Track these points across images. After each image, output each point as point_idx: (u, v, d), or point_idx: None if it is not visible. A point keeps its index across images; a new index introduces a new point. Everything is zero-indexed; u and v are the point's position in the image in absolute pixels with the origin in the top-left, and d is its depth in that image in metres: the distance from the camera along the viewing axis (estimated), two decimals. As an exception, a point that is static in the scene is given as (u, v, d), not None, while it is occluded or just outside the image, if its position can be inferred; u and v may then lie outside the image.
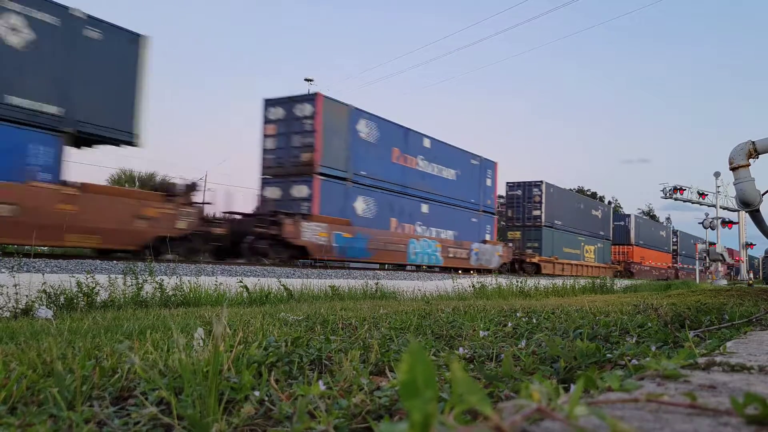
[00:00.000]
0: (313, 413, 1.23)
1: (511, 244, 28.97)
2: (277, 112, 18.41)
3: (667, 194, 30.64)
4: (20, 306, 5.16)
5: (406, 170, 21.57)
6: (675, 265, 52.03)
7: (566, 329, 2.57)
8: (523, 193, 31.33)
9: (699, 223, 30.88)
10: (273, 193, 18.26)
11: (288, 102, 18.19)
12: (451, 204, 24.10)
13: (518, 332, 2.65)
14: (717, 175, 29.65)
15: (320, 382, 1.37)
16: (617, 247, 42.90)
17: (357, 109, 19.19)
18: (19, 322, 4.20)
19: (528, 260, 29.87)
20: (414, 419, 0.63)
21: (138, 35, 13.47)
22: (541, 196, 31.11)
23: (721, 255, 27.77)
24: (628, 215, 46.58)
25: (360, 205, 19.38)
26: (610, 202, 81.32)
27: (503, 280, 10.75)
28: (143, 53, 13.54)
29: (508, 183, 32.51)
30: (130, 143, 13.65)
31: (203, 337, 1.73)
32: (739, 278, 29.91)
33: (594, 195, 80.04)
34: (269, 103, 18.68)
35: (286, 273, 13.20)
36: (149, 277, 6.51)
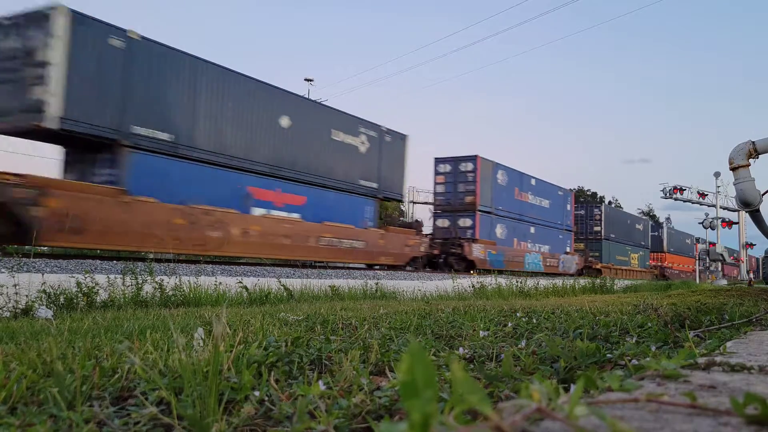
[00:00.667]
0: (313, 413, 1.23)
1: (582, 254, 36.48)
2: (445, 167, 26.46)
3: (667, 194, 30.67)
4: (20, 306, 5.16)
5: (522, 203, 29.65)
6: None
7: (566, 329, 2.57)
8: (586, 213, 39.99)
9: (699, 223, 30.89)
10: (443, 223, 26.29)
11: (454, 161, 26.35)
12: (547, 225, 31.97)
13: (518, 332, 2.65)
14: (717, 175, 29.66)
15: (320, 382, 1.37)
16: (653, 254, 50.92)
17: (497, 163, 27.31)
18: (19, 322, 4.20)
19: (593, 266, 36.70)
20: (414, 419, 0.63)
21: (405, 135, 22.24)
22: (600, 215, 39.51)
23: (721, 255, 27.78)
24: (661, 226, 55.89)
25: (498, 230, 27.45)
26: (613, 203, 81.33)
27: (503, 280, 10.76)
28: (406, 144, 22.32)
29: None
30: (400, 200, 23.77)
31: (203, 337, 1.74)
32: (739, 278, 29.92)
33: (594, 195, 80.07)
34: (438, 160, 26.75)
35: (286, 273, 13.21)
36: (149, 278, 6.51)
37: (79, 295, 5.66)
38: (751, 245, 32.30)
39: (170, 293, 6.52)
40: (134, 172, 13.19)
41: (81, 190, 12.23)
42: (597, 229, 39.27)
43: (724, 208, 30.57)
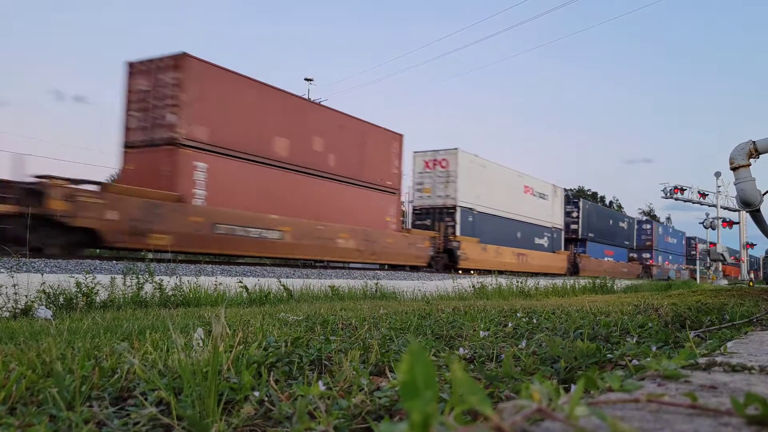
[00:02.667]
0: (313, 413, 1.23)
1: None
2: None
3: (668, 194, 30.66)
4: (19, 306, 5.16)
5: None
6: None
7: (567, 329, 2.57)
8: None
9: (700, 223, 30.89)
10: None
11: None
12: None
13: (518, 332, 2.65)
14: (717, 174, 29.68)
15: (320, 383, 1.37)
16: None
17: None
18: (19, 322, 4.20)
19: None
20: (414, 419, 0.63)
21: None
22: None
23: (721, 255, 27.78)
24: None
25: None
26: (613, 203, 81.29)
27: (503, 280, 10.76)
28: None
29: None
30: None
31: (203, 337, 1.73)
32: (740, 278, 29.93)
33: (594, 195, 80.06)
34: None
35: (286, 273, 13.21)
36: (149, 278, 6.51)
37: (79, 295, 5.66)
38: (752, 245, 32.28)
39: (170, 293, 6.52)
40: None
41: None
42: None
43: (725, 208, 30.58)
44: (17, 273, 5.46)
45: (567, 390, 1.29)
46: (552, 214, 32.85)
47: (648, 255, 50.42)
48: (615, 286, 13.60)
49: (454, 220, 24.10)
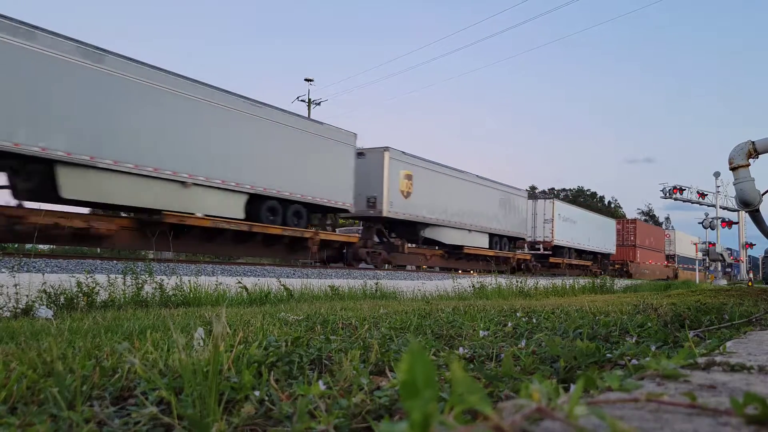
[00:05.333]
0: (313, 413, 1.23)
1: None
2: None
3: (667, 194, 30.66)
4: (20, 306, 5.16)
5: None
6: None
7: (566, 329, 2.57)
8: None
9: (699, 223, 30.89)
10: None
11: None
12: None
13: (518, 332, 2.65)
14: (717, 175, 29.66)
15: (320, 382, 1.37)
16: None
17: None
18: (20, 321, 4.20)
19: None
20: (414, 419, 0.63)
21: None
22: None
23: (721, 255, 27.78)
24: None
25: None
26: (612, 203, 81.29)
27: (503, 280, 10.75)
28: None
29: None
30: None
31: (203, 336, 1.74)
32: (739, 278, 29.93)
33: (594, 195, 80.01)
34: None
35: (286, 273, 13.21)
36: (149, 278, 6.51)
37: (80, 294, 5.66)
38: (751, 245, 32.27)
39: (170, 293, 6.52)
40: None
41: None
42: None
43: (724, 208, 30.57)
44: (18, 273, 5.47)
45: (566, 389, 1.29)
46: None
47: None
48: (615, 286, 13.60)
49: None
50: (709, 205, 31.20)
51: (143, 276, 6.46)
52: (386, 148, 20.59)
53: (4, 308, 5.09)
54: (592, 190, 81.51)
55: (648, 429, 0.80)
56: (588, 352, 1.71)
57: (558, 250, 32.68)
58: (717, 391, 1.08)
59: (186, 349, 1.45)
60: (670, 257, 51.91)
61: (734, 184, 5.15)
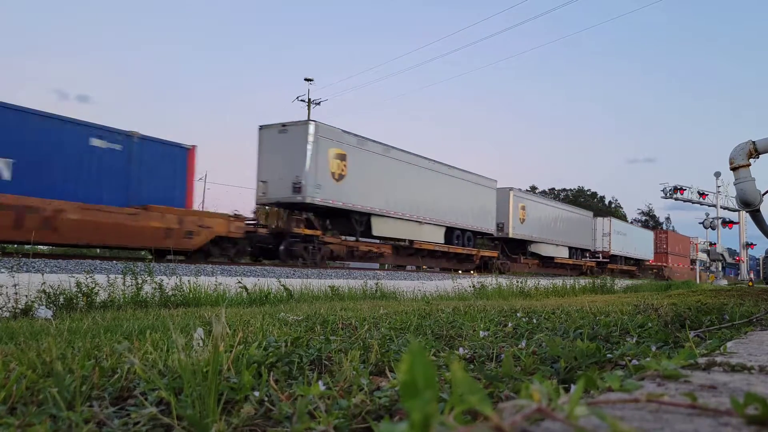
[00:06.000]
0: (313, 413, 1.23)
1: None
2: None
3: (668, 194, 30.69)
4: (20, 306, 5.16)
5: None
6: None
7: (566, 329, 2.57)
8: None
9: (699, 223, 30.91)
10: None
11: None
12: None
13: (518, 332, 2.65)
14: (717, 175, 29.69)
15: (320, 383, 1.37)
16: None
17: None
18: (19, 322, 4.20)
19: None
20: (414, 419, 0.63)
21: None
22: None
23: (721, 255, 27.80)
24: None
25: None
26: (613, 203, 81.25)
27: (503, 280, 10.75)
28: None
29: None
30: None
31: (203, 337, 1.73)
32: (739, 278, 29.94)
33: (594, 195, 80.00)
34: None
35: (286, 273, 13.20)
36: (148, 278, 6.51)
37: (79, 295, 5.66)
38: (752, 245, 32.28)
39: (170, 293, 6.52)
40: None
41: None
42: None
43: (725, 208, 30.60)
44: (18, 273, 5.47)
45: (567, 390, 1.29)
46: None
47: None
48: (615, 286, 13.60)
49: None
50: (709, 205, 31.22)
51: (143, 276, 6.45)
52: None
53: (4, 308, 5.09)
54: (593, 190, 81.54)
55: (649, 429, 0.79)
56: (588, 353, 1.71)
57: (613, 258, 40.07)
58: (718, 391, 1.08)
59: (185, 350, 1.44)
60: (693, 261, 57.27)
61: (735, 184, 5.15)
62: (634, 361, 1.56)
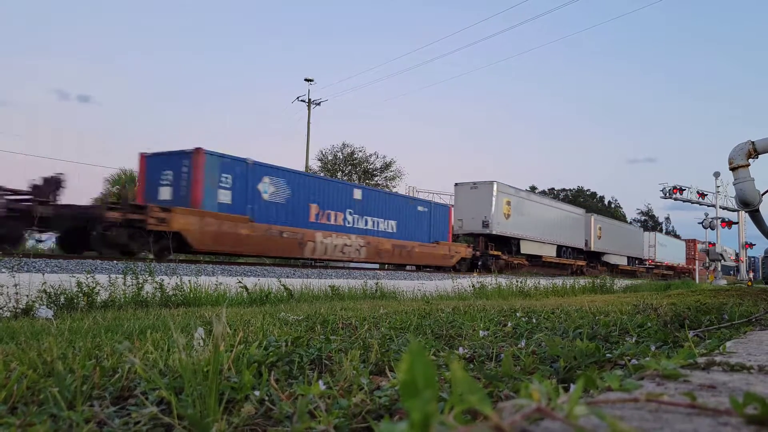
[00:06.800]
0: (313, 413, 1.24)
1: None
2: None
3: (667, 194, 30.71)
4: (20, 306, 5.16)
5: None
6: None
7: (566, 329, 2.57)
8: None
9: (699, 223, 30.92)
10: None
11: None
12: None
13: (518, 332, 2.65)
14: (717, 175, 29.69)
15: (320, 382, 1.37)
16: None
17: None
18: (20, 321, 4.20)
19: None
20: (414, 419, 0.63)
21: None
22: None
23: (720, 255, 27.81)
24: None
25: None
26: (612, 203, 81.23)
27: (503, 280, 10.76)
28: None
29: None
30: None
31: (203, 336, 1.73)
32: (738, 278, 29.95)
33: (594, 195, 79.99)
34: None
35: (286, 273, 13.21)
36: (149, 278, 6.51)
37: (80, 294, 5.66)
38: (751, 245, 32.28)
39: (171, 293, 6.52)
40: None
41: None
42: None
43: (724, 208, 30.60)
44: (18, 273, 5.47)
45: (566, 389, 1.29)
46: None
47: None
48: (614, 286, 13.60)
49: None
50: (709, 205, 31.24)
51: (144, 276, 6.46)
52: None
53: (5, 308, 5.10)
54: (592, 190, 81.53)
55: (648, 429, 0.80)
56: (588, 352, 1.71)
57: (657, 265, 50.14)
58: (717, 391, 1.08)
59: (186, 349, 1.45)
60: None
61: (734, 184, 5.15)
62: (634, 361, 1.56)
